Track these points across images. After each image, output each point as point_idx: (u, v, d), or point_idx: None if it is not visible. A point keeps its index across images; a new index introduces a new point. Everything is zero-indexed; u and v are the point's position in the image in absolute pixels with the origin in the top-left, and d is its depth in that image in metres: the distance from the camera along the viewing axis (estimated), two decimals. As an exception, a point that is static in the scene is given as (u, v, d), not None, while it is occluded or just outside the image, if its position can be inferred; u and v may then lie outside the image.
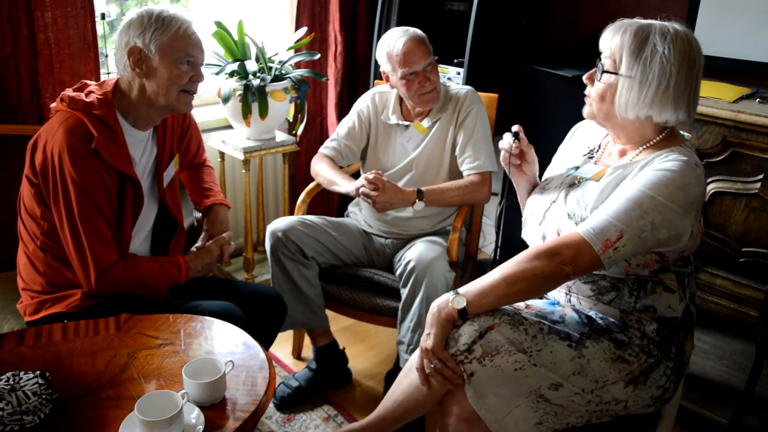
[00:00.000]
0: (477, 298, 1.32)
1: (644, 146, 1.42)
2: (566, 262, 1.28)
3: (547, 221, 1.50)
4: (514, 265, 1.32)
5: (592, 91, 1.42)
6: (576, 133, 1.68)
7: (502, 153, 1.62)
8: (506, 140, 1.60)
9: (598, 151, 1.57)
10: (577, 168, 1.56)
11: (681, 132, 1.48)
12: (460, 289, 1.35)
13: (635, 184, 1.32)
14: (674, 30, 1.34)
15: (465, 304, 1.32)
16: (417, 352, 1.44)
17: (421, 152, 2.19)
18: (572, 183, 1.51)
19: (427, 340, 1.36)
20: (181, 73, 1.59)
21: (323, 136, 3.08)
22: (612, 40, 1.37)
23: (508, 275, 1.31)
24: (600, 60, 1.40)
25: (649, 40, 1.33)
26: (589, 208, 1.39)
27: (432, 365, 1.35)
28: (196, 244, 1.85)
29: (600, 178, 1.44)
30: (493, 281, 1.32)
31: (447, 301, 1.34)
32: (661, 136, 1.41)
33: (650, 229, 1.28)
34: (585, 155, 1.59)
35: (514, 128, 1.58)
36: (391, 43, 2.09)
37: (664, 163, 1.33)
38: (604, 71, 1.38)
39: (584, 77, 1.44)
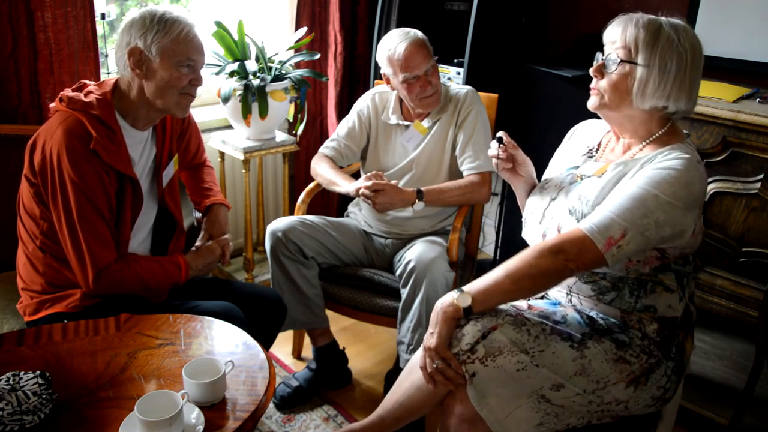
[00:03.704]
0: (481, 295, 1.33)
1: (648, 140, 1.42)
2: (570, 258, 1.29)
3: (547, 219, 1.50)
4: (519, 262, 1.32)
5: (602, 83, 1.40)
6: (575, 134, 1.68)
7: (493, 161, 1.63)
8: (493, 147, 1.61)
9: (598, 150, 1.57)
10: (577, 167, 1.56)
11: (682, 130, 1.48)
12: (465, 287, 1.35)
13: (638, 181, 1.32)
14: (680, 23, 1.37)
15: (470, 302, 1.32)
16: (419, 352, 1.44)
17: (421, 152, 2.19)
18: (573, 181, 1.51)
19: (430, 339, 1.36)
20: (180, 76, 1.58)
21: (323, 136, 3.08)
22: (625, 31, 1.36)
23: (512, 272, 1.31)
24: (603, 53, 1.40)
25: (662, 31, 1.34)
26: (590, 204, 1.39)
27: (435, 365, 1.35)
28: (196, 244, 1.85)
29: (602, 174, 1.44)
30: (498, 278, 1.32)
31: (452, 299, 1.34)
32: (663, 131, 1.41)
33: (654, 227, 1.28)
34: (584, 155, 1.59)
35: (499, 134, 1.60)
36: (392, 47, 2.08)
37: (667, 161, 1.33)
38: (621, 61, 1.36)
39: (591, 70, 1.42)
